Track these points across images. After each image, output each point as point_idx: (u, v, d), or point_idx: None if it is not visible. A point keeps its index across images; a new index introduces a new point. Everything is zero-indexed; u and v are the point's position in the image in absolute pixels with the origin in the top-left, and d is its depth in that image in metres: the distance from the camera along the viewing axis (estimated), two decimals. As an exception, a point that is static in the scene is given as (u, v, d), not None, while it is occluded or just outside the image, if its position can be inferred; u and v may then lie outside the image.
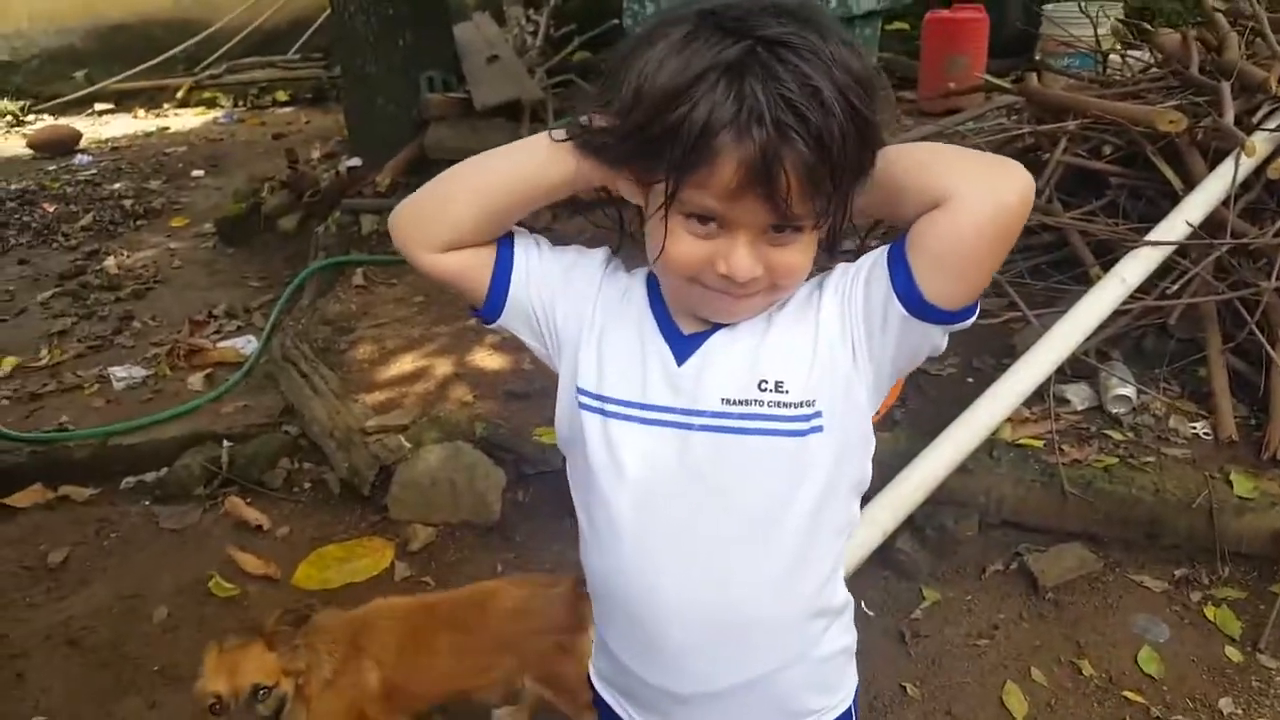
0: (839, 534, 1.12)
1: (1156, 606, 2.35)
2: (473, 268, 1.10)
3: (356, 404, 3.27)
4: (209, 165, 6.90)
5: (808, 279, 1.05)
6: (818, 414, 1.00)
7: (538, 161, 1.04)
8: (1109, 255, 2.91)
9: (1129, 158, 3.31)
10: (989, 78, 3.98)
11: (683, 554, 1.05)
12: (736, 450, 1.02)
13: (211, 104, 9.00)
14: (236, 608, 2.63)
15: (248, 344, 3.92)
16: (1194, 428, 2.69)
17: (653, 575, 1.06)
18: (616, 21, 5.33)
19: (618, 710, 1.19)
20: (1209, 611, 2.31)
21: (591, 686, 1.24)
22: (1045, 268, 3.20)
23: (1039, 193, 3.22)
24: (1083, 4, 4.63)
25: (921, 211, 0.95)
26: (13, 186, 6.67)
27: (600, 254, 1.13)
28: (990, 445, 2.53)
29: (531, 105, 4.66)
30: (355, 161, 5.03)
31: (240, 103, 8.94)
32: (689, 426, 1.03)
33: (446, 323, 3.83)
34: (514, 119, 4.69)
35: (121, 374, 3.79)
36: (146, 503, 3.14)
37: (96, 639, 2.55)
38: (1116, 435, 2.66)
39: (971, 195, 0.93)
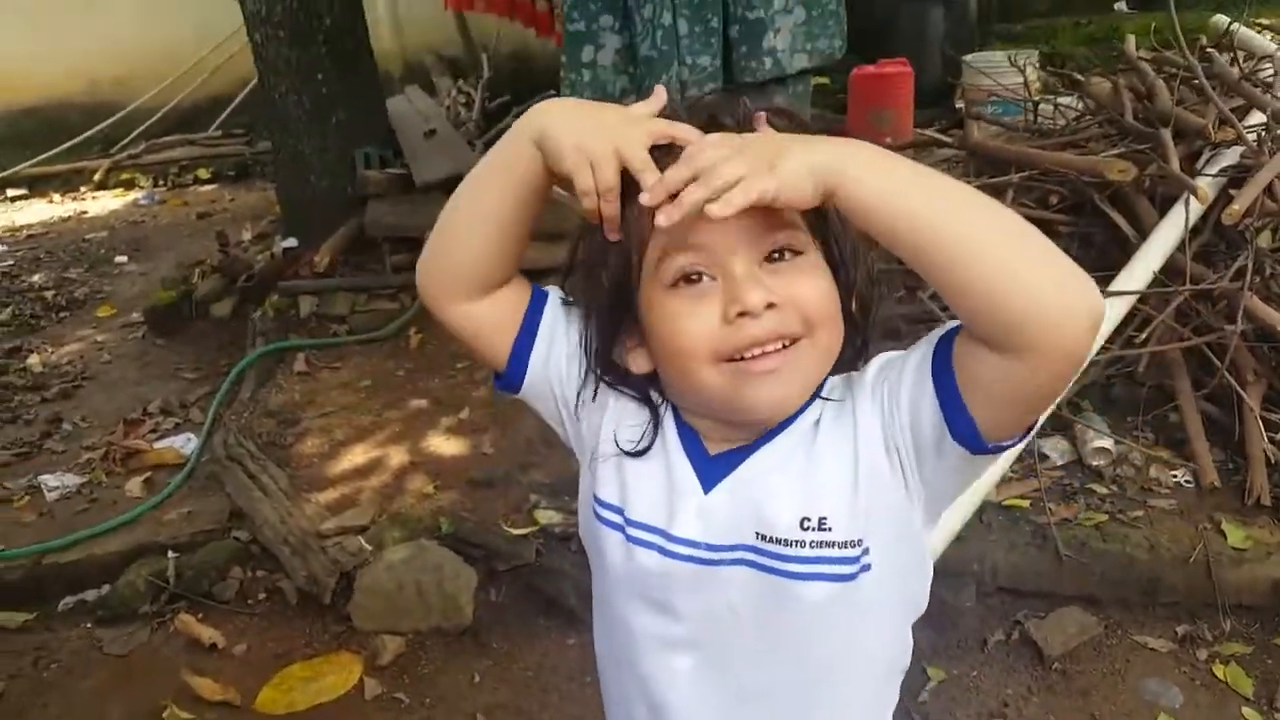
0: (894, 672, 1.03)
1: (1165, 668, 2.29)
2: (501, 324, 1.04)
3: (309, 504, 3.10)
4: (132, 250, 6.65)
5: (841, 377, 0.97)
6: (865, 550, 0.91)
7: (517, 146, 0.96)
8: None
9: (1076, 206, 3.34)
10: (928, 133, 4.02)
11: (718, 695, 0.98)
12: (775, 594, 0.93)
13: (131, 185, 8.72)
14: (194, 741, 2.44)
15: (187, 442, 3.71)
16: (1175, 475, 2.68)
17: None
18: (553, 91, 5.30)
19: None
20: (1218, 670, 2.26)
21: None
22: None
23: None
24: (1011, 55, 4.73)
25: (971, 308, 0.80)
26: (-77, 284, 6.35)
27: None
28: (980, 509, 2.48)
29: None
30: (291, 242, 4.88)
31: (161, 183, 8.69)
32: (717, 563, 0.95)
33: (397, 406, 3.69)
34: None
35: (54, 483, 3.55)
36: (88, 625, 2.91)
37: (39, 789, 2.34)
38: (1100, 489, 2.64)
39: (1053, 342, 0.77)
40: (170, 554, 3.03)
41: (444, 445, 3.36)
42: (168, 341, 4.82)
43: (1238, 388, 2.66)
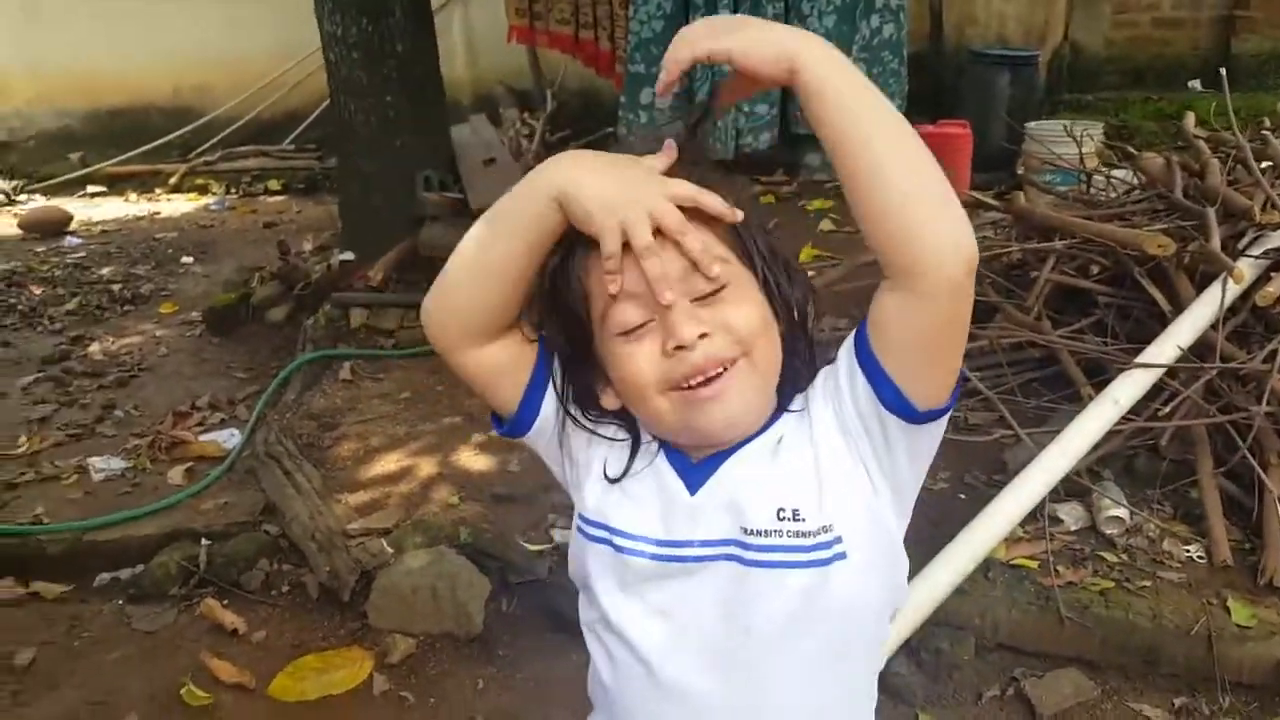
0: (870, 661, 1.10)
1: None
2: (509, 370, 1.09)
3: (339, 504, 3.21)
4: (199, 252, 6.91)
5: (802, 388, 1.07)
6: (838, 539, 0.99)
7: (534, 204, 1.02)
8: (1099, 375, 2.93)
9: (1116, 277, 3.37)
10: (976, 194, 4.07)
11: (709, 686, 1.03)
12: (758, 583, 0.99)
13: (204, 190, 9.05)
14: (208, 718, 2.53)
15: (231, 437, 3.86)
16: (1188, 550, 2.67)
17: (678, 706, 1.04)
18: (611, 130, 5.45)
19: None
20: (1212, 744, 2.25)
21: None
22: (1036, 385, 3.22)
23: (1029, 310, 3.26)
24: (1067, 125, 4.77)
25: (878, 212, 0.91)
26: (0, 267, 6.66)
27: None
28: (985, 565, 2.50)
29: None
30: (348, 255, 5.05)
31: (233, 190, 9.00)
32: (709, 559, 1.01)
33: (432, 420, 3.80)
34: (508, 219, 4.73)
35: (101, 465, 3.71)
36: (120, 601, 3.04)
37: (61, 747, 2.45)
38: (1110, 557, 2.64)
39: (937, 269, 0.90)
40: (203, 541, 3.15)
41: (472, 460, 3.46)
42: (223, 341, 5.01)
43: (1259, 469, 2.66)
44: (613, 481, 1.08)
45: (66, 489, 3.59)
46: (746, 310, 0.99)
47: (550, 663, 2.64)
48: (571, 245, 1.02)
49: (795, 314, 1.05)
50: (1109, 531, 2.71)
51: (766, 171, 6.18)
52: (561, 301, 1.04)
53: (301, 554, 3.06)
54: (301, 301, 4.94)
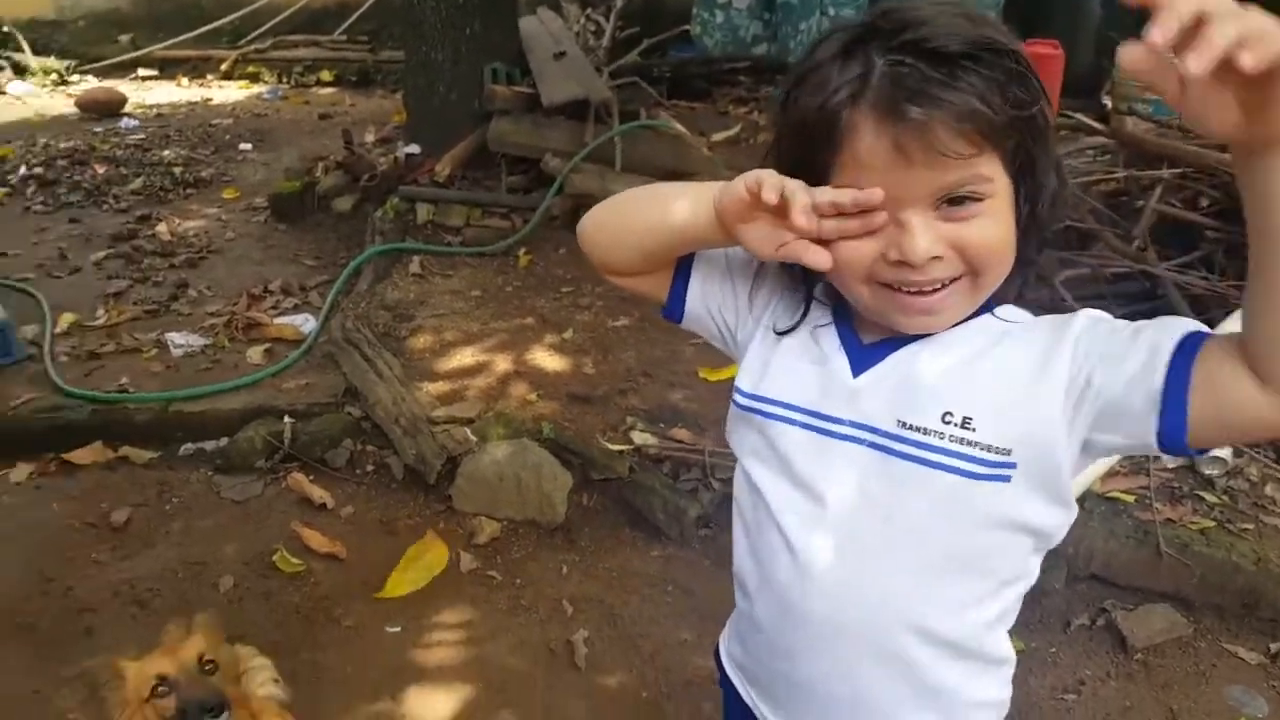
0: (1012, 584, 1.04)
1: (1253, 679, 2.31)
2: (652, 286, 1.16)
3: (420, 392, 3.29)
4: (256, 139, 6.92)
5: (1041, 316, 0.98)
6: (1009, 464, 0.93)
7: (707, 220, 1.02)
8: (1203, 313, 2.90)
9: (1226, 211, 3.27)
10: (1080, 117, 3.96)
11: (844, 569, 1.02)
12: (907, 477, 0.97)
13: (255, 79, 9.01)
14: (302, 584, 2.65)
15: (306, 322, 3.93)
16: (1291, 496, 2.67)
17: (808, 584, 1.04)
18: (685, 28, 5.37)
19: (744, 694, 1.19)
20: (1311, 692, 2.28)
21: (720, 666, 1.25)
22: (1138, 319, 3.20)
23: (1133, 240, 3.21)
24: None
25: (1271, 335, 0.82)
26: (62, 145, 6.68)
27: None
28: (1082, 496, 2.51)
29: (598, 106, 4.68)
30: (414, 148, 5.05)
31: (284, 79, 8.96)
32: (857, 440, 1.00)
33: (504, 319, 3.85)
34: (579, 118, 4.71)
35: (180, 341, 3.80)
36: (208, 471, 3.15)
37: (163, 602, 2.57)
38: (1209, 498, 2.63)
39: None
40: (286, 419, 3.24)
41: (546, 360, 3.52)
42: (289, 228, 5.05)
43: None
44: (780, 335, 1.07)
45: (147, 362, 3.68)
46: (991, 232, 0.91)
47: (630, 556, 2.75)
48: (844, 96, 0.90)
49: (1043, 235, 0.97)
50: (1209, 472, 2.70)
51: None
52: (809, 135, 0.94)
53: (384, 436, 3.15)
54: (367, 193, 4.96)
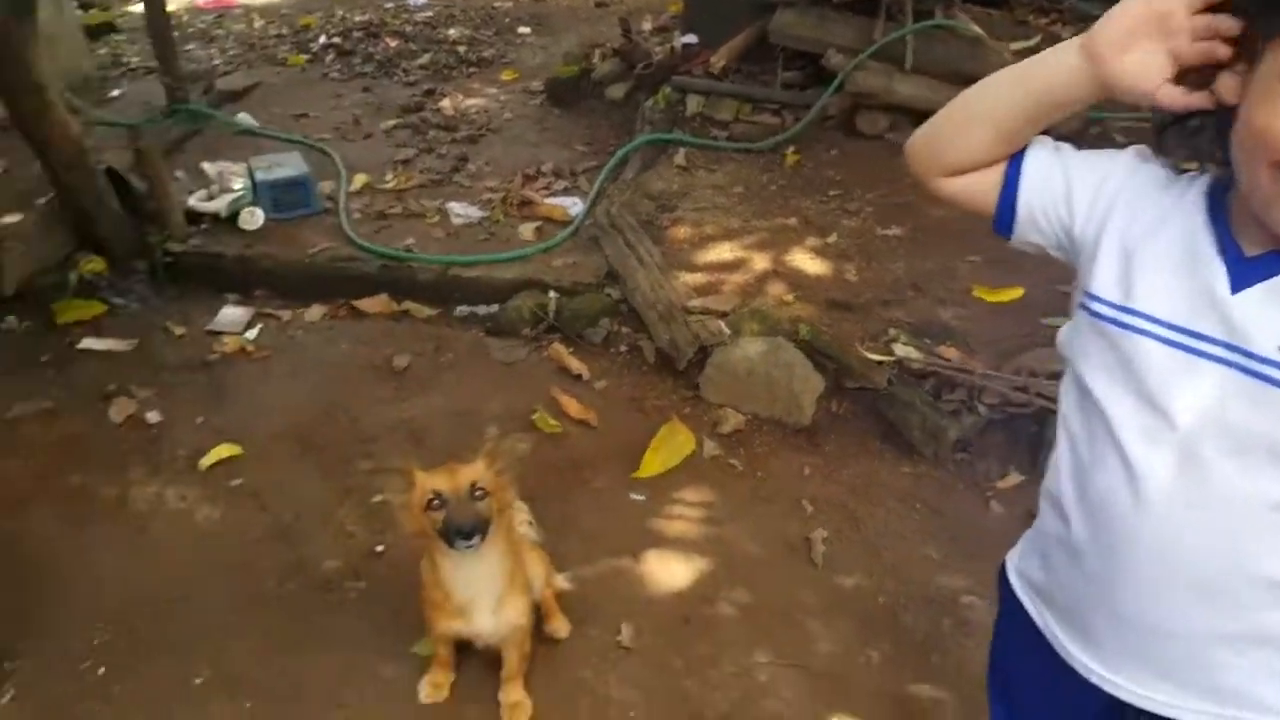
0: None
1: None
2: (979, 190, 1.10)
3: (677, 281, 3.34)
4: (534, 23, 7.11)
5: None
6: None
7: (1068, 70, 0.98)
8: None
9: None
10: None
11: (1185, 495, 0.95)
12: (1270, 405, 0.88)
13: (536, -36, 9.20)
14: (557, 444, 2.80)
15: (574, 205, 4.06)
16: None
17: (1142, 507, 0.97)
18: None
19: (1035, 616, 1.16)
20: None
21: (1006, 584, 1.22)
22: None
23: None
24: None
25: None
26: (357, 18, 7.15)
27: (1128, 154, 1.04)
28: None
29: (890, 2, 4.45)
30: (690, 38, 5.02)
31: (563, -33, 9.09)
32: (1225, 363, 0.91)
33: (766, 217, 3.82)
34: (868, 14, 4.49)
35: (459, 211, 4.03)
36: (479, 332, 3.37)
37: (436, 440, 2.79)
38: None
39: None
40: (552, 293, 3.40)
41: (807, 262, 3.48)
42: (563, 113, 5.20)
43: None
44: (1139, 238, 0.99)
45: (430, 227, 3.93)
46: None
47: (877, 468, 2.71)
48: None
49: None
50: None
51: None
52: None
53: (640, 319, 3.24)
54: (641, 82, 5.00)
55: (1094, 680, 1.08)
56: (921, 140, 1.12)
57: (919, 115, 4.43)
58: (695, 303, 3.18)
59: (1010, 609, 1.21)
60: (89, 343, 3.28)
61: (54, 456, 2.76)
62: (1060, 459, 1.09)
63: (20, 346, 3.27)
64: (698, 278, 3.40)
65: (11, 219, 3.54)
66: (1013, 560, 1.23)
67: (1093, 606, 1.06)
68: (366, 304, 3.50)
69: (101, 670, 2.09)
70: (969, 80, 1.10)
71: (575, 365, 3.12)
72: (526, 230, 3.87)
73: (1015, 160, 1.07)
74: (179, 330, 3.36)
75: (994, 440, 2.68)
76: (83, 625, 2.20)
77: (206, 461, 2.72)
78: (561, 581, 2.24)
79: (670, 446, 2.74)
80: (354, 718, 2.00)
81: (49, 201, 3.59)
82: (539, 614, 2.09)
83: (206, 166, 4.08)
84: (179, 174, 4.10)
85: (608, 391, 3.04)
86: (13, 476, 2.68)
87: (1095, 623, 1.07)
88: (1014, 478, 2.62)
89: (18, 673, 2.08)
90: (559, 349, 3.20)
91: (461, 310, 3.49)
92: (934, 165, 1.11)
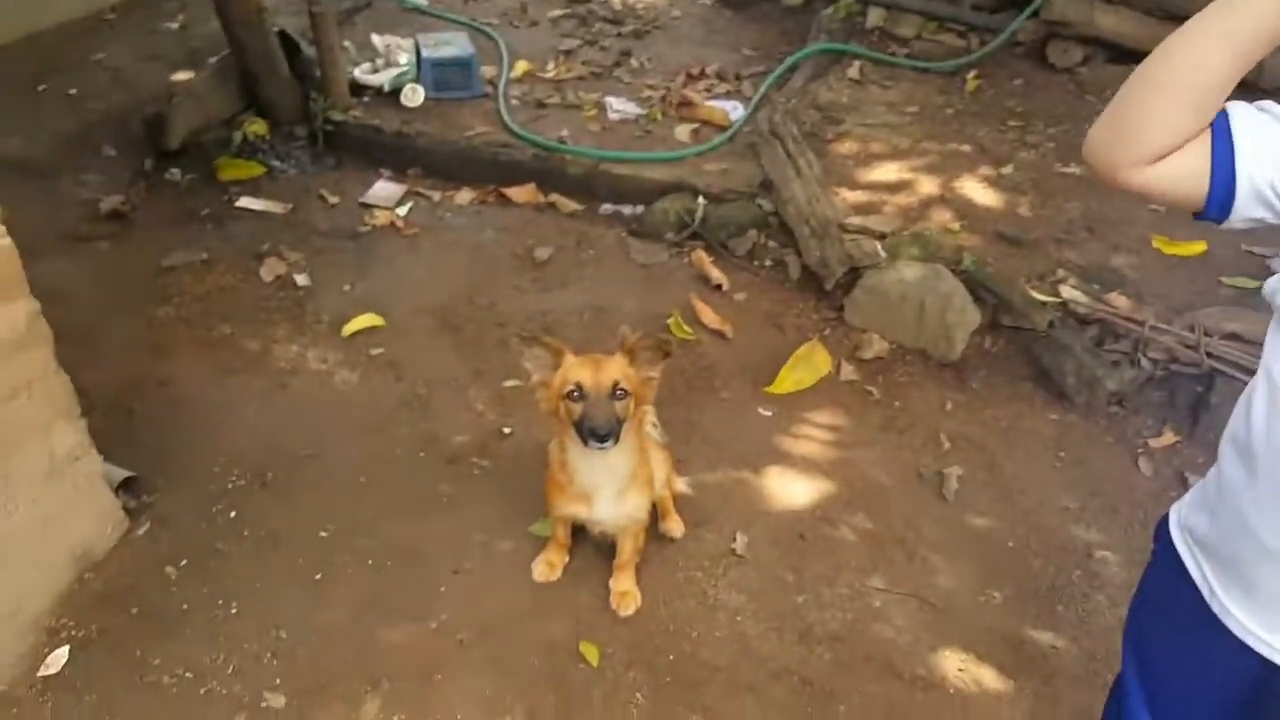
0: None
1: None
2: (1184, 173, 0.95)
3: (836, 197, 3.19)
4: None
5: None
6: None
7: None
8: None
9: None
10: None
11: None
12: None
13: None
14: (690, 351, 2.73)
15: (735, 110, 3.91)
16: None
17: None
18: None
19: (1194, 571, 1.11)
20: None
21: (1165, 538, 1.17)
22: None
23: None
24: None
25: None
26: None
27: None
28: None
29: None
30: (878, -51, 4.72)
31: None
32: None
33: (938, 141, 3.60)
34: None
35: (617, 106, 3.95)
36: (621, 232, 3.30)
37: (568, 333, 2.76)
38: None
39: None
40: (701, 199, 3.29)
41: (977, 192, 3.26)
42: (734, 15, 5.00)
43: None
44: None
45: (586, 120, 3.86)
46: None
47: (1023, 411, 2.55)
48: None
49: None
50: None
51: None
52: None
53: (789, 234, 3.10)
54: (818, -11, 4.75)
55: (1250, 641, 1.04)
56: (1103, 129, 0.98)
57: (1118, 53, 4.05)
58: (853, 220, 3.03)
59: (1164, 561, 1.16)
60: (246, 201, 3.39)
61: (205, 307, 2.87)
62: (1256, 405, 1.02)
63: (182, 199, 3.40)
64: (858, 196, 3.23)
65: (183, 75, 3.65)
66: (1177, 512, 1.17)
67: (1261, 557, 1.01)
68: (515, 192, 3.48)
69: (233, 514, 2.18)
70: (1181, 18, 0.93)
71: (716, 274, 3.03)
72: (683, 132, 3.76)
73: (1218, 131, 0.94)
74: (333, 199, 3.43)
75: (1153, 397, 2.48)
76: (220, 470, 2.29)
77: (350, 328, 2.78)
78: (682, 485, 2.20)
79: (807, 365, 2.64)
80: (470, 584, 2.03)
81: (220, 60, 3.69)
82: (656, 512, 2.06)
83: (375, 39, 4.11)
84: (347, 44, 4.14)
85: (746, 304, 2.95)
86: (166, 322, 2.80)
87: (1260, 576, 1.02)
88: (1168, 437, 2.41)
89: (155, 506, 2.18)
90: (701, 256, 3.11)
91: (606, 208, 3.43)
92: (1124, 153, 0.96)
